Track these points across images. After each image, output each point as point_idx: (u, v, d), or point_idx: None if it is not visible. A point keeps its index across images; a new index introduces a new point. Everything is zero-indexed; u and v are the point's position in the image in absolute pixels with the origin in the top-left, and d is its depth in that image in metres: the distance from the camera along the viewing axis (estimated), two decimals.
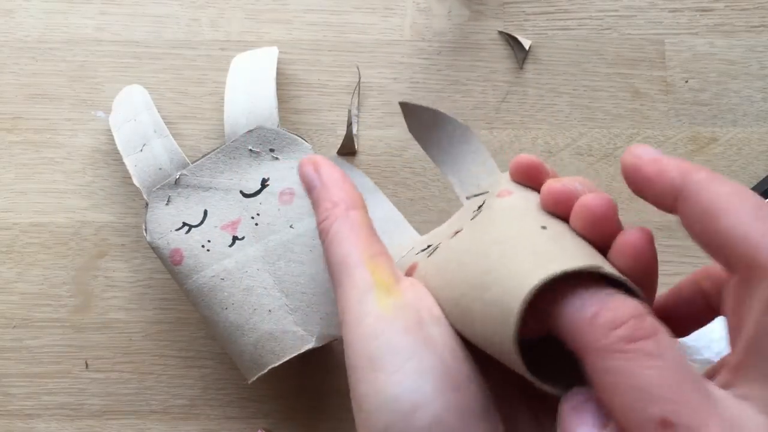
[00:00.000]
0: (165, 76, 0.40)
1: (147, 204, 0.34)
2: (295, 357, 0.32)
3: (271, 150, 0.34)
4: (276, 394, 0.38)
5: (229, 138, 0.35)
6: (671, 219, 0.39)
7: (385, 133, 0.40)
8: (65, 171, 0.39)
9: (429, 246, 0.26)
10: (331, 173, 0.27)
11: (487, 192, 0.27)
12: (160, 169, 0.34)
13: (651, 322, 0.17)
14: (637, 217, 0.39)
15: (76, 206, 0.39)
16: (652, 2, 0.41)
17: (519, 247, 0.20)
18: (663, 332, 0.17)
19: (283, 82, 0.40)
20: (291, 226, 0.33)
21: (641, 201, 0.41)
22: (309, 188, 0.27)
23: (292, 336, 0.32)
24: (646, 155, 0.20)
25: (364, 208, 0.26)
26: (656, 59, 0.41)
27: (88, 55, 0.40)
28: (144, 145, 0.35)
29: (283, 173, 0.34)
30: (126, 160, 0.35)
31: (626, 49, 0.41)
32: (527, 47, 0.40)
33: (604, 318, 0.17)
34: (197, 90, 0.40)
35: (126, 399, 0.38)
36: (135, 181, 0.34)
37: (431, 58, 0.40)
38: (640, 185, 0.21)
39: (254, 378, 0.33)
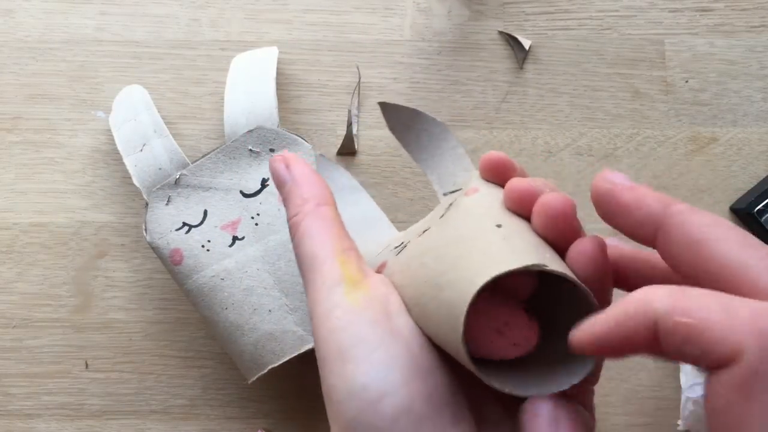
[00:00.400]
0: (165, 76, 0.40)
1: (147, 204, 0.34)
2: (294, 357, 0.32)
3: (271, 150, 0.34)
4: (276, 394, 0.38)
5: (229, 138, 0.35)
6: None
7: (385, 133, 0.40)
8: (65, 171, 0.39)
9: (401, 243, 0.27)
10: (302, 170, 0.27)
11: (461, 189, 0.27)
12: (160, 169, 0.34)
13: None
14: None
15: (76, 206, 0.39)
16: (652, 2, 0.41)
17: (472, 249, 0.21)
18: None
19: (283, 82, 0.40)
20: None
21: None
22: (280, 184, 0.27)
23: (291, 336, 0.32)
24: (621, 182, 0.20)
25: (334, 204, 0.26)
26: (656, 59, 0.41)
27: (88, 55, 0.40)
28: (144, 145, 0.35)
29: None
30: (126, 160, 0.35)
31: (626, 49, 0.41)
32: (527, 47, 0.40)
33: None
34: (197, 90, 0.40)
35: (126, 399, 0.38)
36: (135, 181, 0.34)
37: (431, 58, 0.40)
38: (616, 213, 0.20)
39: (254, 378, 0.33)
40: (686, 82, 0.40)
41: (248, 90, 0.35)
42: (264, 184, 0.34)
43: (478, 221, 0.23)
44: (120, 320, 0.38)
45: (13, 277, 0.38)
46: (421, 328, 0.22)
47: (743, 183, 0.40)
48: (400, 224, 0.39)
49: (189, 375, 0.38)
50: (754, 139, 0.40)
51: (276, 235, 0.33)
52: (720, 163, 0.40)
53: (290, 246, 0.33)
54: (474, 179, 0.26)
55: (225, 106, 0.35)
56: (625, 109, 0.40)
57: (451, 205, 0.26)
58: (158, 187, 0.34)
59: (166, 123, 0.35)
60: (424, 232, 0.25)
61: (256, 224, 0.34)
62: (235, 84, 0.36)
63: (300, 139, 0.34)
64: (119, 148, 0.35)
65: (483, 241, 0.21)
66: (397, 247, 0.27)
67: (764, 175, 0.40)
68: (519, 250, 0.20)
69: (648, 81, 0.40)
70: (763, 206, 0.38)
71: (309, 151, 0.34)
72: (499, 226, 0.22)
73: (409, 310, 0.23)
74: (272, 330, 0.32)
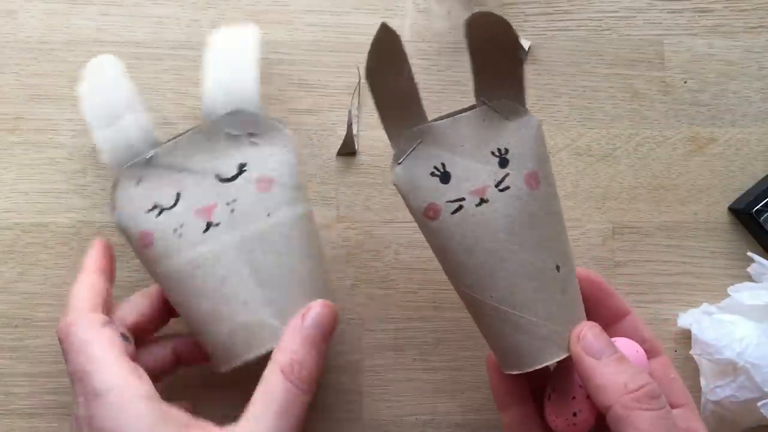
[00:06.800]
0: (166, 77, 0.40)
1: (115, 182, 0.32)
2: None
3: (250, 134, 0.32)
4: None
5: (207, 117, 0.33)
6: (671, 219, 0.40)
7: (384, 133, 0.40)
8: (66, 171, 0.39)
9: (457, 199, 0.29)
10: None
11: (509, 150, 0.30)
12: (131, 145, 0.32)
13: None
14: (637, 217, 0.39)
15: (78, 206, 0.39)
16: (651, 3, 0.41)
17: (537, 305, 0.29)
18: None
19: (283, 83, 0.40)
20: (268, 215, 0.31)
21: (641, 201, 0.41)
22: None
23: (269, 328, 0.30)
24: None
25: None
26: (655, 60, 0.41)
27: (89, 56, 0.40)
28: (116, 119, 0.32)
29: (261, 160, 0.32)
30: (94, 135, 0.32)
31: (625, 49, 0.41)
32: (527, 48, 0.40)
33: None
34: (198, 90, 0.40)
35: None
36: (103, 157, 0.32)
37: (431, 58, 0.41)
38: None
39: (227, 369, 0.31)
40: (685, 82, 0.41)
41: (229, 67, 0.33)
42: (241, 169, 0.32)
43: (542, 258, 0.29)
44: None
45: (14, 277, 0.39)
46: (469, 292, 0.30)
47: (742, 183, 0.40)
48: (400, 224, 0.39)
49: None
50: (752, 139, 0.40)
51: (253, 224, 0.31)
52: (719, 163, 0.40)
53: (267, 235, 0.31)
54: (529, 159, 0.30)
55: (203, 83, 0.33)
56: (624, 109, 0.40)
57: (505, 179, 0.29)
58: (128, 165, 0.32)
59: (167, 123, 0.35)
60: (481, 201, 0.29)
61: (232, 210, 0.31)
62: (216, 59, 0.33)
63: (280, 125, 0.33)
64: (88, 121, 0.32)
65: (548, 293, 0.29)
66: (451, 201, 0.29)
67: (763, 175, 0.40)
68: (573, 309, 0.30)
69: (647, 81, 0.41)
70: (761, 206, 0.38)
71: (290, 139, 0.33)
72: (557, 267, 0.29)
73: (455, 271, 0.30)
74: (247, 322, 0.30)
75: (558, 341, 0.28)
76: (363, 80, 0.40)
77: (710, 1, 0.41)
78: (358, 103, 0.40)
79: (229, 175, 0.32)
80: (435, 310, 0.39)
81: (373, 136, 0.40)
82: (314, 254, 0.32)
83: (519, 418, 0.31)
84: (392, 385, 0.38)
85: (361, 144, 0.40)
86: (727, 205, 0.40)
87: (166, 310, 0.34)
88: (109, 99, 0.32)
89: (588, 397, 0.29)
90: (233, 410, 0.29)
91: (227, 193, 0.32)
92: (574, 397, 0.29)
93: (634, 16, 0.41)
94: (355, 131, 0.40)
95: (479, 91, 0.30)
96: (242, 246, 0.31)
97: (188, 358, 0.35)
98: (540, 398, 0.32)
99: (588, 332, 0.28)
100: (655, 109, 0.40)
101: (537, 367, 0.29)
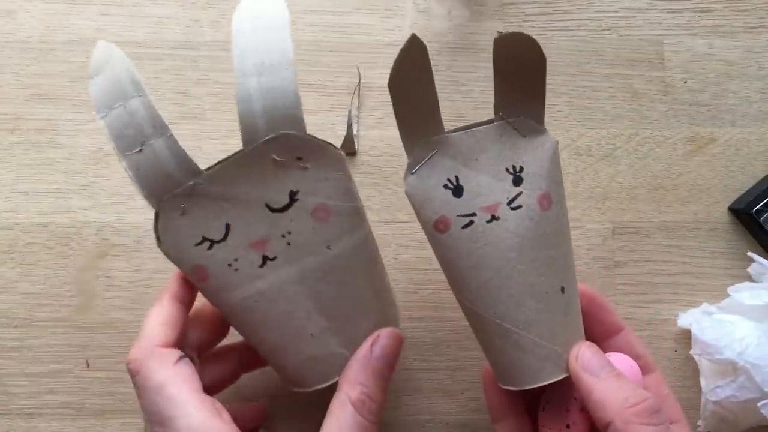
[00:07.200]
0: (166, 77, 0.40)
1: (157, 213, 0.29)
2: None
3: (298, 158, 0.29)
4: (276, 393, 0.38)
5: (248, 144, 0.29)
6: (671, 219, 0.40)
7: (385, 133, 0.40)
8: (66, 171, 0.39)
9: (468, 215, 0.29)
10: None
11: (524, 169, 0.29)
12: (167, 174, 0.29)
13: None
14: (637, 217, 0.39)
15: (78, 206, 0.39)
16: (651, 3, 0.41)
17: (543, 326, 0.29)
18: None
19: None
20: (328, 247, 0.30)
21: (641, 201, 0.41)
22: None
23: (338, 358, 0.30)
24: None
25: None
26: (655, 60, 0.41)
27: (89, 56, 0.40)
28: (143, 144, 0.28)
29: (314, 185, 0.29)
30: (122, 162, 0.28)
31: (625, 49, 0.41)
32: None
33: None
34: (198, 90, 0.40)
35: (127, 398, 0.38)
36: (136, 186, 0.29)
37: (431, 58, 0.40)
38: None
39: (298, 391, 0.32)
40: (685, 82, 0.41)
41: (267, 85, 0.28)
42: (293, 197, 0.29)
43: (549, 279, 0.29)
44: (121, 320, 0.38)
45: (14, 277, 0.39)
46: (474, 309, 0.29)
47: (742, 183, 0.40)
48: (400, 224, 0.39)
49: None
50: (752, 139, 0.40)
51: (313, 257, 0.30)
52: (719, 163, 0.40)
53: (330, 269, 0.30)
54: (541, 176, 0.29)
55: (239, 106, 0.28)
56: (624, 109, 0.40)
57: (518, 197, 0.29)
58: (170, 195, 0.29)
59: (167, 124, 0.35)
60: (492, 218, 0.29)
61: (289, 243, 0.29)
62: (248, 76, 0.28)
63: (329, 145, 0.30)
64: (112, 146, 0.28)
65: (553, 316, 0.29)
66: (462, 216, 0.29)
67: (763, 175, 0.40)
68: (576, 330, 0.30)
69: (647, 81, 0.41)
70: (761, 206, 0.38)
71: (340, 159, 0.30)
72: (563, 289, 0.29)
73: (458, 284, 0.30)
74: (315, 353, 0.30)
75: (558, 361, 0.29)
76: (364, 80, 0.40)
77: (710, 1, 0.41)
78: (358, 103, 0.40)
79: (281, 204, 0.29)
80: (435, 310, 0.39)
81: (373, 136, 0.40)
82: (377, 273, 0.32)
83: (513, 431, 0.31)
84: (392, 385, 0.38)
85: (361, 144, 0.40)
86: (727, 205, 0.40)
87: (226, 325, 0.33)
88: (131, 120, 0.28)
89: (582, 410, 0.29)
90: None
91: (281, 224, 0.29)
92: (568, 410, 0.29)
93: (634, 16, 0.41)
94: (355, 131, 0.40)
95: (499, 106, 0.30)
96: (303, 280, 0.30)
97: (252, 364, 0.35)
98: (534, 412, 0.32)
99: (586, 350, 0.28)
100: (655, 109, 0.40)
101: (535, 386, 0.29)
